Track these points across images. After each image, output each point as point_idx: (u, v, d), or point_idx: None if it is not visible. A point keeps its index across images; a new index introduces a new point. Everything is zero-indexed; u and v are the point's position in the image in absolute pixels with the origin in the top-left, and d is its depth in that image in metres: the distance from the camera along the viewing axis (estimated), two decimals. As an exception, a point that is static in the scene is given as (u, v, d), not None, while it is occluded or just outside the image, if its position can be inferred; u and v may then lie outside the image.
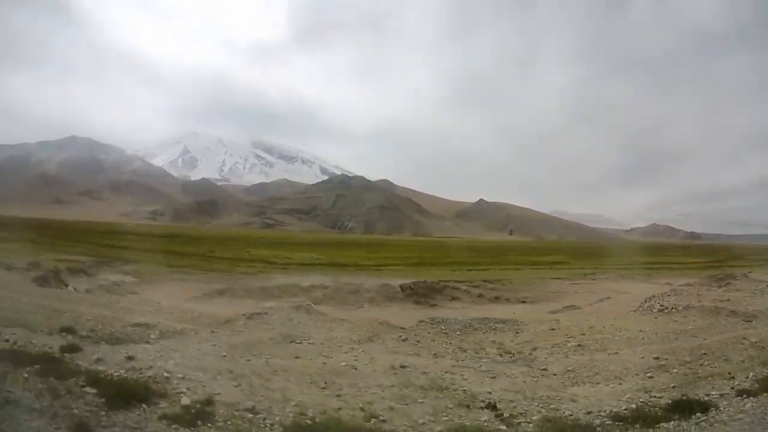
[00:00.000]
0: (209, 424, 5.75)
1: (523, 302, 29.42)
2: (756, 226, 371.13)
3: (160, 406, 6.01)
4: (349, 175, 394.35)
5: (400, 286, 28.62)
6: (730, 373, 8.70)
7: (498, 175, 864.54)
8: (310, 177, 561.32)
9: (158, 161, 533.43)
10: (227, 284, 27.71)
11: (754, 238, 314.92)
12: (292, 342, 11.46)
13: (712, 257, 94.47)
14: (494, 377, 9.59)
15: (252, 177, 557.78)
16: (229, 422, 5.88)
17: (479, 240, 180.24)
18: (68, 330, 10.56)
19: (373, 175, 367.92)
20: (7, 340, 8.35)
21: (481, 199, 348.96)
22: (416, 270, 45.64)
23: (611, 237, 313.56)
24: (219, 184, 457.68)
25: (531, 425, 6.71)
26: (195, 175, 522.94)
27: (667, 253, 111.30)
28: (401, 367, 9.52)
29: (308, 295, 25.32)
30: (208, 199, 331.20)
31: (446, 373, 9.43)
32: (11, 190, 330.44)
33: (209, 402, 6.44)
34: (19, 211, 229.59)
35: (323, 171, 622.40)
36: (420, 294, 27.96)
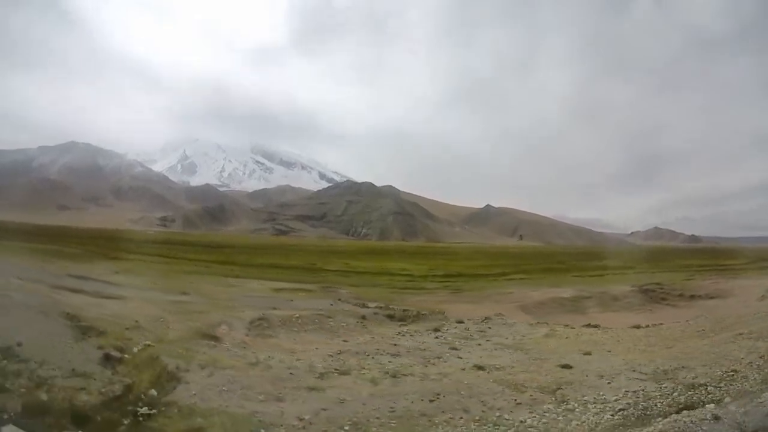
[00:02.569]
0: None
1: (712, 298, 32.11)
2: (755, 229, 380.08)
3: None
4: (356, 181, 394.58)
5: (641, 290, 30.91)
6: None
7: (498, 179, 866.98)
8: (309, 182, 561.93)
9: (157, 167, 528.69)
10: (515, 302, 28.02)
11: (755, 241, 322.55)
12: None
13: (748, 258, 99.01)
14: None
15: (252, 183, 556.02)
16: None
17: (512, 245, 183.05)
18: None
19: (372, 180, 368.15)
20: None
21: (488, 205, 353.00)
22: (545, 277, 47.81)
23: (617, 241, 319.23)
24: (221, 190, 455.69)
25: None
26: (194, 181, 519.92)
27: (705, 256, 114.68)
28: None
29: (582, 305, 27.12)
30: (216, 206, 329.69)
31: None
32: (15, 195, 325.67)
33: None
34: (27, 217, 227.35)
35: (322, 176, 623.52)
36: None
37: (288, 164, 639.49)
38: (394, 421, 8.33)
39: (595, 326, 19.14)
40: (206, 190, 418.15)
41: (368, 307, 22.05)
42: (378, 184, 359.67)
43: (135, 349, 11.92)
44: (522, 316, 23.12)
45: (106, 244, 76.80)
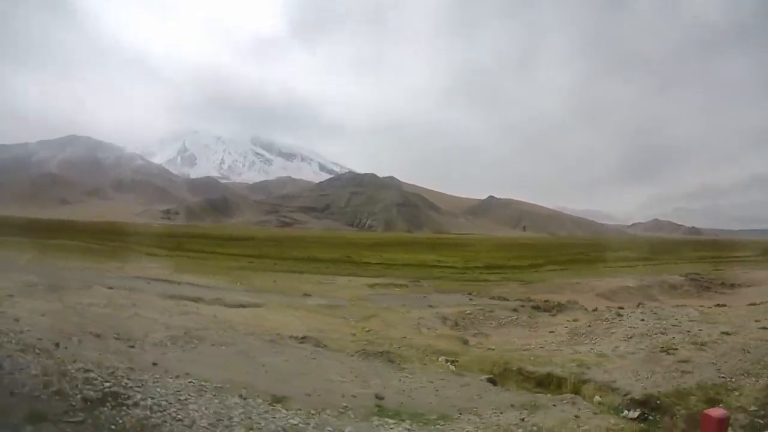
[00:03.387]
0: None
1: (749, 286, 33.78)
2: (752, 222, 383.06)
3: None
4: (357, 172, 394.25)
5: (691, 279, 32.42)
6: None
7: (498, 172, 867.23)
8: (309, 174, 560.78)
9: (157, 159, 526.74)
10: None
11: (751, 234, 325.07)
12: None
13: (753, 251, 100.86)
14: None
15: (252, 174, 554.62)
16: None
17: (521, 237, 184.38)
18: None
19: (372, 171, 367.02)
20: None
21: (490, 196, 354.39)
22: (579, 268, 48.97)
23: (618, 232, 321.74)
24: (221, 182, 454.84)
25: None
26: (194, 173, 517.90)
27: (712, 248, 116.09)
28: None
29: (649, 292, 28.40)
30: (219, 198, 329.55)
31: None
32: (16, 190, 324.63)
33: None
34: (28, 212, 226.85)
35: (322, 168, 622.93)
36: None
37: (287, 156, 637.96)
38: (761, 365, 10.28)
39: (723, 305, 20.30)
40: (207, 183, 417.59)
41: (508, 300, 22.77)
42: (379, 175, 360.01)
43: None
44: (605, 302, 24.17)
45: (128, 239, 75.83)
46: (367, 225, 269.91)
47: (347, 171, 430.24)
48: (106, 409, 5.31)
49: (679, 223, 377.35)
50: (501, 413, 7.43)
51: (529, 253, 74.69)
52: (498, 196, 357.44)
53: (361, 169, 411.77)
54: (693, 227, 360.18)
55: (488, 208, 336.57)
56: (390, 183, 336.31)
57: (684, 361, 10.81)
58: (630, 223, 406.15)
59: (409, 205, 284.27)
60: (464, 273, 40.86)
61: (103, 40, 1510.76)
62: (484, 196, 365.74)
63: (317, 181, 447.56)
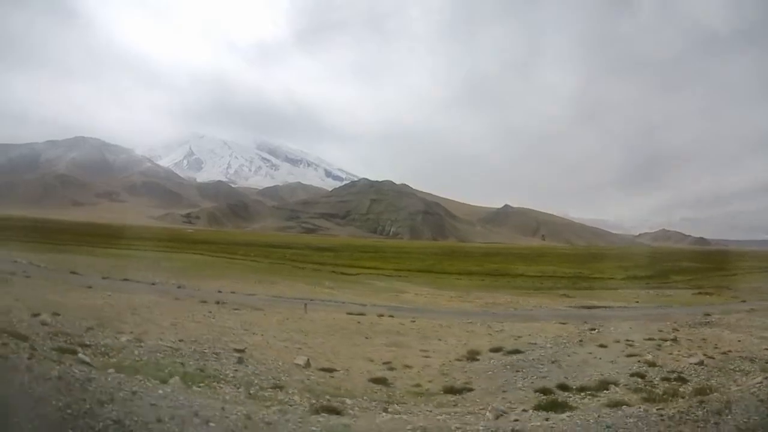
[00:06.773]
0: None
1: None
2: (760, 231, 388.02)
3: None
4: (370, 179, 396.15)
5: None
6: None
7: (503, 177, 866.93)
8: (315, 179, 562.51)
9: (163, 163, 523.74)
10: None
11: (762, 244, 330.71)
12: None
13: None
14: None
15: (258, 179, 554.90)
16: None
17: (565, 248, 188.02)
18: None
19: (377, 177, 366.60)
20: None
21: (506, 205, 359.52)
22: (696, 277, 52.64)
23: (631, 243, 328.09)
24: (232, 186, 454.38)
25: None
26: (201, 177, 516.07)
27: (745, 259, 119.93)
28: None
29: None
30: (238, 203, 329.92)
31: None
32: (27, 190, 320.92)
33: None
34: (41, 213, 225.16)
35: (328, 174, 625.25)
36: None
37: (293, 161, 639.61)
38: None
39: None
40: (218, 187, 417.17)
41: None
42: (382, 180, 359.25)
43: None
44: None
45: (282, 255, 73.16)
46: (391, 232, 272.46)
47: (359, 178, 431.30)
48: None
49: (686, 233, 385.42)
50: None
51: (623, 264, 77.50)
52: (507, 204, 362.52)
53: (364, 174, 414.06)
54: (701, 238, 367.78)
55: (505, 216, 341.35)
56: (407, 190, 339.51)
57: None
58: (637, 233, 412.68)
59: (433, 214, 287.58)
60: (648, 282, 44.29)
61: (107, 46, 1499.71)
62: (492, 203, 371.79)
63: (324, 187, 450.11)
